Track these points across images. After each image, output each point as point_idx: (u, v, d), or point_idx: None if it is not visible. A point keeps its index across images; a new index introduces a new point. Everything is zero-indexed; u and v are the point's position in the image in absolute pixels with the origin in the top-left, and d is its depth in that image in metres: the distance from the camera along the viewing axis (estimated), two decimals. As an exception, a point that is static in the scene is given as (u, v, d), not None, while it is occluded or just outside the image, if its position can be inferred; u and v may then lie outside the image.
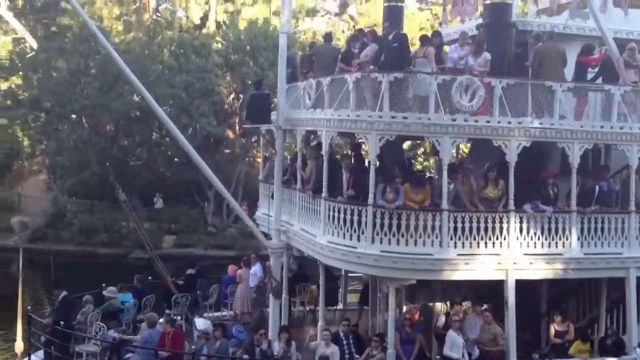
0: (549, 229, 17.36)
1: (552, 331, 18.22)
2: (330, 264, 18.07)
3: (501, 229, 16.99)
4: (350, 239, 16.89)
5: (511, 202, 17.05)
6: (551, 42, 18.21)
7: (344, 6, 65.48)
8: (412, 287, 20.19)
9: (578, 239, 17.55)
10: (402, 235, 16.50)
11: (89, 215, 48.07)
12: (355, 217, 16.78)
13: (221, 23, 58.39)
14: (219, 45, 52.22)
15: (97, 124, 50.37)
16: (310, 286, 23.28)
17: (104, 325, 18.72)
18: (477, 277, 17.13)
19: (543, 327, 20.05)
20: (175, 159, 52.65)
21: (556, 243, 17.42)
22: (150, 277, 22.48)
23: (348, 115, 16.89)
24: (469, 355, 16.97)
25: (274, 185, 20.01)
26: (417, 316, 18.41)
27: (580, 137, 17.43)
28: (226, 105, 50.51)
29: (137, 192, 49.61)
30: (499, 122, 16.82)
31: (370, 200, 16.57)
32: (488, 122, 16.76)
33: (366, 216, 16.58)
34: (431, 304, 20.08)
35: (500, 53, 18.63)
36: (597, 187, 18.00)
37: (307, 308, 23.33)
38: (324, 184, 17.63)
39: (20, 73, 51.07)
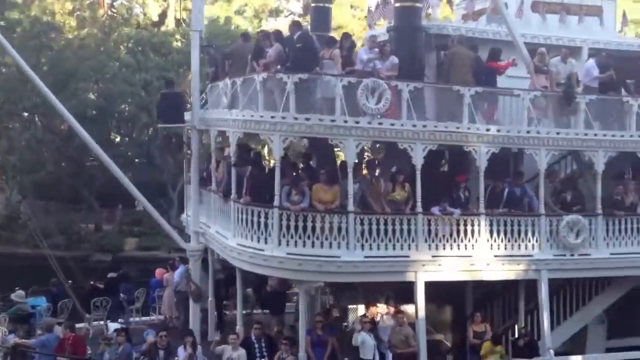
0: (458, 231, 17.55)
1: (471, 332, 18.35)
2: (240, 267, 18.15)
3: (409, 231, 17.08)
4: (258, 241, 16.89)
5: (419, 204, 17.13)
6: (460, 47, 18.29)
7: (307, 7, 65.51)
8: (337, 289, 20.54)
9: (487, 240, 17.76)
10: (308, 237, 16.52)
11: (43, 217, 47.57)
12: (262, 219, 16.85)
13: (181, 21, 58.28)
14: (179, 44, 51.96)
15: (51, 123, 49.75)
16: (246, 290, 23.25)
17: (7, 330, 18.66)
18: (386, 279, 17.29)
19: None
20: (136, 160, 52.37)
21: (465, 245, 17.57)
22: (70, 281, 22.43)
23: (252, 116, 16.91)
24: (382, 355, 17.08)
25: (191, 187, 20.07)
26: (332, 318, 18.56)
27: (487, 141, 17.58)
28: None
29: (94, 193, 49.50)
30: (402, 125, 16.94)
31: (276, 202, 16.61)
32: (392, 125, 16.89)
33: (272, 218, 16.70)
34: (355, 306, 20.33)
35: (410, 56, 18.66)
36: (505, 191, 18.19)
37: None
38: (233, 185, 17.73)
39: (-32, 69, 50.56)
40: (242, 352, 16.80)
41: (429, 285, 17.71)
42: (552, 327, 19.59)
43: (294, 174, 18.09)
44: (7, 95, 45.92)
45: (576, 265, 18.49)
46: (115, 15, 58.78)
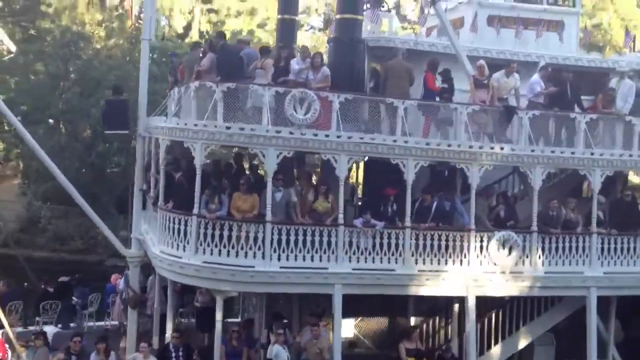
0: (381, 245, 17.10)
1: (402, 350, 17.81)
2: (162, 274, 17.96)
3: (329, 242, 16.70)
4: (177, 248, 16.72)
5: (340, 216, 16.74)
6: (397, 59, 17.87)
7: (329, 21, 65.42)
8: (273, 301, 20.18)
9: (412, 255, 17.27)
10: (224, 246, 16.29)
11: (63, 222, 48.13)
12: (182, 227, 16.66)
13: (204, 33, 58.69)
14: (202, 55, 52.04)
15: (76, 129, 50.49)
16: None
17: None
18: (303, 291, 16.92)
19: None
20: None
21: (388, 259, 17.09)
22: (25, 283, 22.49)
23: (177, 124, 16.79)
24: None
25: (134, 194, 19.99)
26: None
27: (415, 154, 17.10)
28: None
29: (113, 199, 49.93)
30: (326, 136, 16.60)
31: (195, 210, 16.40)
32: (315, 135, 16.58)
33: (191, 226, 16.48)
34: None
35: (349, 68, 18.38)
36: (434, 204, 17.68)
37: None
38: (160, 192, 17.58)
39: (-3, 75, 51.49)
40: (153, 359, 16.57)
41: (370, 298, 17.35)
42: (490, 345, 19.17)
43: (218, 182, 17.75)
44: (35, 102, 46.52)
45: (506, 283, 17.77)
46: (142, 26, 59.19)
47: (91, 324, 22.93)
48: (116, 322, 22.73)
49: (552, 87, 18.72)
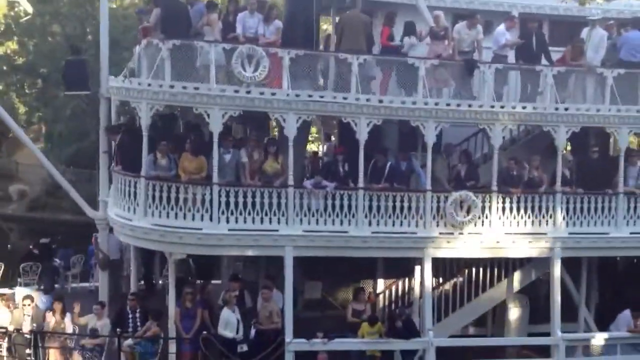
0: (333, 206, 16.45)
1: (350, 310, 17.34)
2: (119, 238, 17.54)
3: (279, 204, 16.13)
4: (128, 211, 16.34)
5: (290, 177, 16.12)
6: (354, 11, 16.99)
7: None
8: (237, 264, 19.68)
9: (366, 216, 16.58)
10: (172, 209, 15.80)
11: (88, 185, 48.06)
12: (132, 189, 16.20)
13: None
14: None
15: (95, 92, 50.03)
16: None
17: None
18: (253, 253, 16.37)
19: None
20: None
21: (341, 220, 16.43)
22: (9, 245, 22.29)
23: (124, 83, 16.20)
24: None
25: (100, 157, 19.52)
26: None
27: (367, 112, 16.32)
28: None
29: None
30: (273, 95, 15.88)
31: (143, 172, 15.92)
32: (262, 94, 15.83)
33: (139, 188, 15.96)
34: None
35: (303, 21, 17.45)
36: (388, 165, 16.91)
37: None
38: (115, 155, 17.11)
39: (15, 38, 51.12)
40: (105, 321, 16.29)
41: (338, 260, 16.77)
42: (454, 308, 18.49)
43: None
44: (54, 64, 46.12)
45: (463, 244, 17.02)
46: (154, -15, 58.23)
47: (75, 285, 22.65)
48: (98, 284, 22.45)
49: (516, 39, 17.64)
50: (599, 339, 17.71)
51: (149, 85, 15.60)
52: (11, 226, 40.40)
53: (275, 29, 16.65)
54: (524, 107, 17.11)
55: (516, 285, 18.82)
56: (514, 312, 19.14)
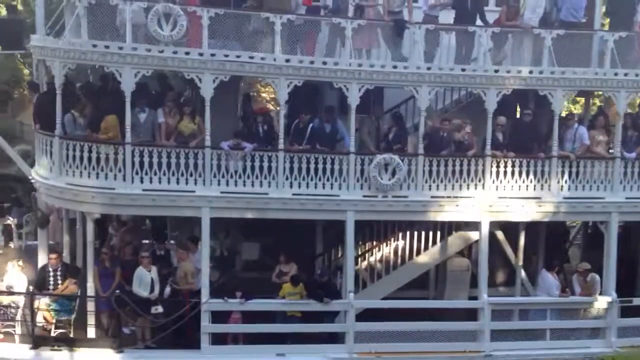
0: (253, 168, 15.75)
1: (276, 271, 16.74)
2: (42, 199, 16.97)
3: (196, 165, 15.47)
4: (46, 170, 15.80)
5: (207, 138, 15.47)
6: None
7: None
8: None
9: (287, 178, 15.88)
10: (85, 168, 15.21)
11: (94, 144, 47.21)
12: (49, 148, 15.61)
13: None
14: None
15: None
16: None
17: None
18: (169, 214, 15.83)
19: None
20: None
21: (260, 182, 15.79)
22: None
23: (38, 41, 15.63)
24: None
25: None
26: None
27: (286, 73, 15.53)
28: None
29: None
30: (187, 54, 15.10)
31: (57, 131, 15.32)
32: (175, 53, 15.07)
33: (54, 147, 15.39)
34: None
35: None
36: (310, 126, 16.13)
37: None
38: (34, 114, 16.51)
39: (19, -5, 50.28)
40: (23, 278, 15.81)
41: (279, 222, 16.13)
42: (388, 271, 17.79)
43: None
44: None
45: (389, 208, 16.26)
46: None
47: (30, 243, 22.16)
48: (52, 242, 21.98)
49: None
50: (525, 303, 16.92)
51: (61, 43, 14.86)
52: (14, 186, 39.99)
53: (201, -17, 15.75)
54: (451, 69, 16.17)
55: (453, 248, 18.11)
56: (453, 276, 18.38)
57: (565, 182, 17.07)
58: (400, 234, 17.95)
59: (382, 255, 18.16)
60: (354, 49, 16.05)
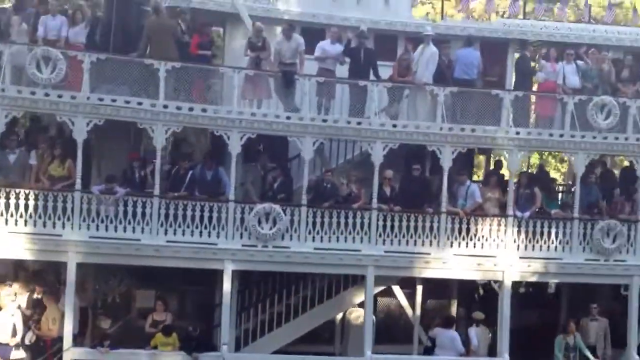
0: (125, 213, 14.83)
1: (149, 320, 15.65)
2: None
3: (64, 209, 14.52)
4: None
5: (78, 181, 14.63)
6: (157, 17, 15.38)
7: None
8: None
9: (162, 225, 14.93)
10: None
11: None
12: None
13: None
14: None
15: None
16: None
17: None
18: (36, 258, 14.92)
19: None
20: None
21: (133, 228, 14.89)
22: None
23: None
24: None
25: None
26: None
27: (164, 119, 14.82)
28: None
29: None
30: (59, 97, 14.38)
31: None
32: (47, 95, 14.33)
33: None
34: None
35: (122, 27, 16.05)
36: (189, 173, 15.24)
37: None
38: None
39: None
40: None
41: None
42: (280, 323, 16.54)
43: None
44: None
45: (269, 258, 15.24)
46: None
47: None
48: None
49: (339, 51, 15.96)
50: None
51: None
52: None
53: (81, 29, 15.05)
54: (335, 121, 15.34)
55: (351, 302, 16.99)
56: (356, 330, 17.23)
57: (455, 238, 16.06)
58: (301, 284, 16.85)
59: (277, 307, 17.00)
60: (244, 99, 15.33)
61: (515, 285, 18.61)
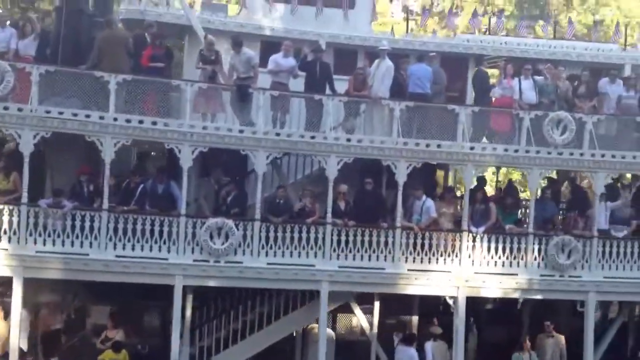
0: (73, 227, 14.41)
1: (101, 337, 15.25)
2: None
3: (10, 222, 14.16)
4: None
5: (25, 195, 14.23)
6: (110, 30, 15.11)
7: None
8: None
9: (110, 239, 14.55)
10: None
11: None
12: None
13: None
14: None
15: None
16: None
17: None
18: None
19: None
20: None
21: (81, 242, 14.45)
22: None
23: None
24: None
25: None
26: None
27: (112, 132, 14.47)
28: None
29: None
30: (6, 109, 14.00)
31: None
32: (7, 109, 14.04)
33: None
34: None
35: (73, 40, 15.74)
36: (140, 187, 14.89)
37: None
38: None
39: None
40: None
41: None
42: (236, 339, 16.06)
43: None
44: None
45: (220, 273, 14.88)
46: None
47: None
48: None
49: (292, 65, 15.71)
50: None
51: None
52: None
53: (31, 42, 14.73)
54: (289, 135, 15.05)
55: (309, 318, 16.61)
56: (315, 346, 16.82)
57: (410, 253, 15.79)
58: (257, 301, 16.46)
59: (234, 323, 16.58)
60: (196, 113, 15.04)
61: (483, 301, 18.57)
